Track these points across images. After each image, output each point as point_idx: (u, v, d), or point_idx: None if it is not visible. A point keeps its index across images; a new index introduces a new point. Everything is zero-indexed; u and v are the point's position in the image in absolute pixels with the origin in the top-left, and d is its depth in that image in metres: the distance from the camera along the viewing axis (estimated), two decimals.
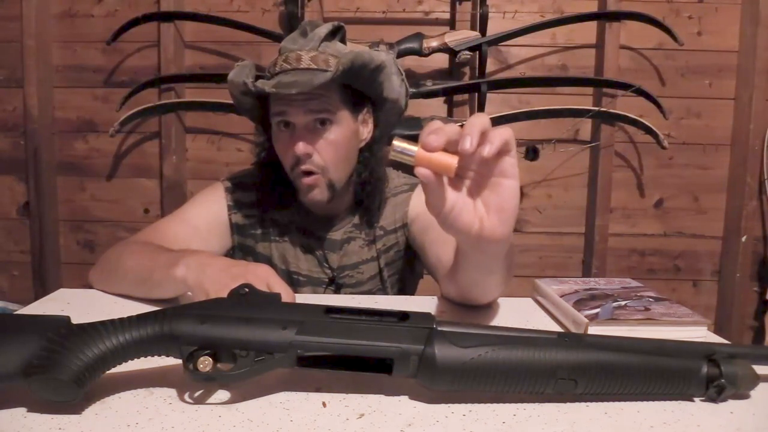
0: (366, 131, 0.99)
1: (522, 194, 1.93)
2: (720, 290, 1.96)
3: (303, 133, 0.91)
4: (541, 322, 0.78)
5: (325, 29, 0.92)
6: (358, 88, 0.94)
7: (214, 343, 0.50)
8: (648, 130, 1.75)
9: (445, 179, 0.51)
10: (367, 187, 1.00)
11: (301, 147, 0.90)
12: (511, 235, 0.55)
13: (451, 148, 0.49)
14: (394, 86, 0.95)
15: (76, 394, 0.48)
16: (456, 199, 0.52)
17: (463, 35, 1.74)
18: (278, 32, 1.78)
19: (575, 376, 0.51)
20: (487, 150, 0.48)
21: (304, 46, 0.91)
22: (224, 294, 0.56)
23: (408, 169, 0.51)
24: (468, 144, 0.48)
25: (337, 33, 0.95)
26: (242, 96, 0.96)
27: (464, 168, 0.52)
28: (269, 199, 1.01)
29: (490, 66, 1.86)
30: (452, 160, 0.49)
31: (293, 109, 0.90)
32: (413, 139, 0.50)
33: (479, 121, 0.49)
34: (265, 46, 1.85)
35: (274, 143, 0.96)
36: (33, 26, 1.84)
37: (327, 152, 0.92)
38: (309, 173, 0.92)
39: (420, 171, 0.49)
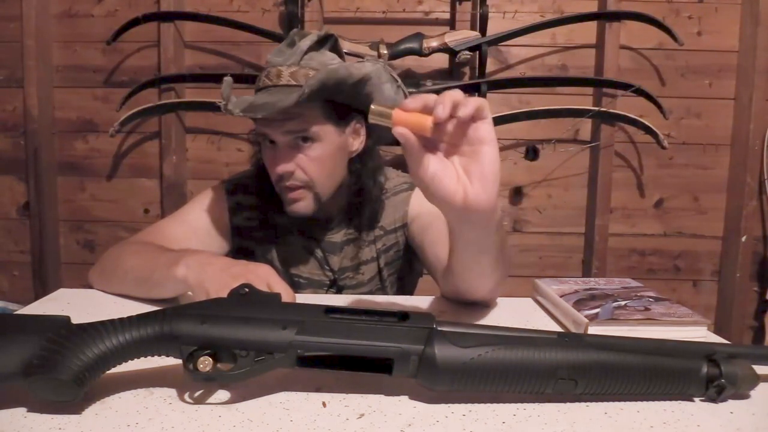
0: (357, 142, 0.97)
1: (522, 194, 1.94)
2: (720, 290, 1.96)
3: (285, 151, 0.90)
4: (541, 322, 0.78)
5: (309, 41, 0.89)
6: (342, 101, 0.92)
7: (214, 343, 0.50)
8: (648, 130, 1.75)
9: (428, 154, 0.54)
10: (358, 197, 0.99)
11: (281, 167, 0.89)
12: (497, 204, 0.57)
13: (427, 113, 0.52)
14: (387, 95, 0.93)
15: (76, 394, 0.48)
16: (437, 166, 0.54)
17: (463, 35, 1.74)
18: (278, 32, 1.78)
19: (575, 376, 0.51)
20: (462, 111, 0.52)
21: (287, 60, 0.89)
22: (224, 293, 0.56)
23: (387, 131, 0.54)
24: (440, 110, 0.51)
25: (325, 42, 0.93)
26: None
27: (442, 137, 0.54)
28: (269, 202, 1.01)
29: (490, 66, 1.85)
30: (427, 119, 0.52)
31: (272, 130, 0.89)
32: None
33: (453, 91, 0.53)
34: (265, 46, 1.85)
35: (262, 156, 0.95)
36: (33, 26, 1.84)
37: (310, 168, 0.90)
38: (294, 188, 0.91)
39: (397, 130, 0.52)
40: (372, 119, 0.52)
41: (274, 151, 0.91)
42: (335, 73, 0.84)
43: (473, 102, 0.52)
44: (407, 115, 0.52)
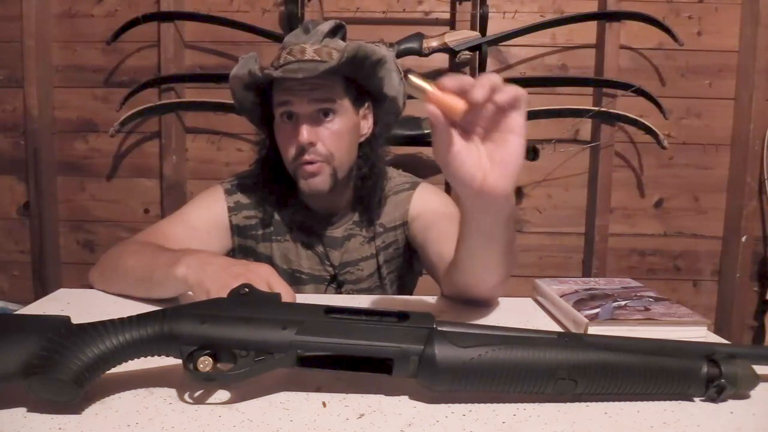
0: (366, 126, 1.01)
1: (522, 194, 1.94)
2: (720, 290, 1.96)
3: (306, 124, 0.92)
4: (541, 322, 0.78)
5: (327, 26, 0.94)
6: (359, 81, 0.95)
7: (214, 343, 0.50)
8: (648, 130, 1.75)
9: (454, 134, 0.53)
10: (367, 182, 1.01)
11: (305, 135, 0.91)
12: (512, 194, 0.57)
13: (462, 96, 0.52)
14: (394, 83, 0.97)
15: (76, 394, 0.48)
16: (461, 147, 0.54)
17: (463, 35, 1.74)
18: (278, 32, 1.78)
19: (575, 376, 0.51)
20: (499, 97, 0.51)
21: (308, 40, 0.93)
22: (225, 293, 0.56)
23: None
24: (479, 92, 0.50)
25: (338, 31, 0.97)
26: (244, 92, 0.96)
27: (474, 121, 0.54)
28: (270, 197, 1.02)
29: (490, 66, 1.85)
30: (460, 104, 0.51)
31: (297, 99, 0.91)
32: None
33: (491, 76, 0.52)
34: (265, 46, 1.85)
35: (276, 136, 0.97)
36: (33, 26, 1.84)
37: (330, 141, 0.93)
38: (312, 162, 0.93)
39: (430, 108, 0.51)
40: (408, 90, 0.52)
41: (293, 125, 0.93)
42: (364, 48, 0.89)
43: (512, 90, 0.52)
44: (441, 96, 0.51)
